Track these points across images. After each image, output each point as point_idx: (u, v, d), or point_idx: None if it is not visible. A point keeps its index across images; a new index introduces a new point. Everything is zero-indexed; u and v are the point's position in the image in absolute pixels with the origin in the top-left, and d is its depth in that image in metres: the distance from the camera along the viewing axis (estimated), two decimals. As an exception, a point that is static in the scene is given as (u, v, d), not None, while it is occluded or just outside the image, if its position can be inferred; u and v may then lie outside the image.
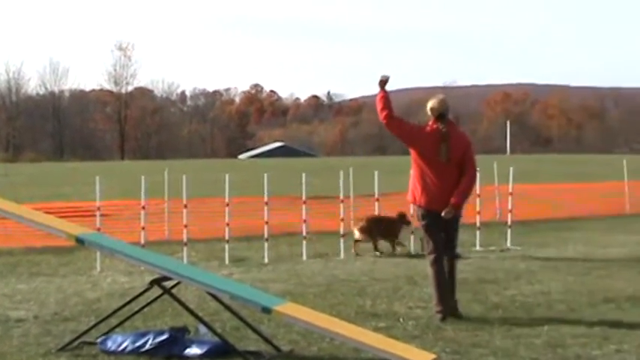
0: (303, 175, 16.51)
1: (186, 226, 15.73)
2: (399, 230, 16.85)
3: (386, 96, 10.64)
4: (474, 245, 17.12)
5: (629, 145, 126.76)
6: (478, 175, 17.53)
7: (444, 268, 10.49)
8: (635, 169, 31.73)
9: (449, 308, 10.28)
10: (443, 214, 10.38)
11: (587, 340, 8.96)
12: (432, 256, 10.52)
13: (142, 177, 15.92)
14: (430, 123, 10.57)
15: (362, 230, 16.61)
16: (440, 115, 10.53)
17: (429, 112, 10.62)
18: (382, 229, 16.71)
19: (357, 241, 16.68)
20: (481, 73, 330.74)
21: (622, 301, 11.16)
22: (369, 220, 16.75)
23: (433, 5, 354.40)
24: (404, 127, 10.73)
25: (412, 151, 10.62)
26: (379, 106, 10.67)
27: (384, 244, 16.69)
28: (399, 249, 16.73)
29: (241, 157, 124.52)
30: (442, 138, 10.42)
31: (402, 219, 16.82)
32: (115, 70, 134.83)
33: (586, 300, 11.33)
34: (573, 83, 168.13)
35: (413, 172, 10.69)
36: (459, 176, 10.48)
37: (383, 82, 10.73)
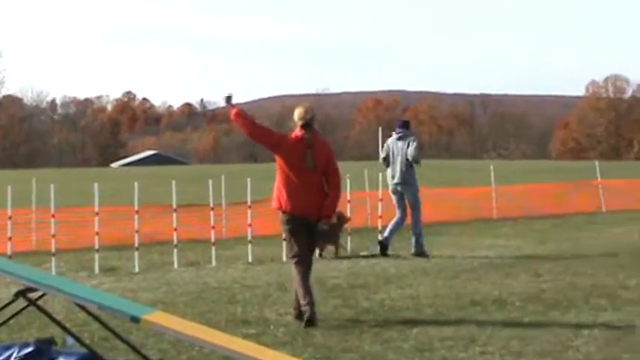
0: (174, 183, 16.40)
1: (54, 236, 15.45)
2: (339, 231, 17.23)
3: (239, 111, 10.77)
4: (346, 250, 17.27)
5: (497, 151, 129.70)
6: (348, 181, 17.86)
7: (308, 270, 10.63)
8: (502, 174, 32.52)
9: (310, 310, 10.37)
10: (319, 227, 10.60)
11: (453, 343, 9.12)
12: (295, 259, 10.64)
13: (9, 186, 15.59)
14: (296, 131, 10.68)
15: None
16: (306, 123, 10.67)
17: (296, 120, 10.75)
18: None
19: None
20: (353, 80, 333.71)
21: (488, 304, 11.39)
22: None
23: (306, 14, 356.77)
24: (268, 136, 10.87)
25: (278, 158, 10.76)
26: (238, 122, 10.87)
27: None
28: (341, 251, 17.16)
29: (113, 165, 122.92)
30: (308, 145, 10.56)
31: (341, 219, 17.12)
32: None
33: (454, 303, 11.54)
34: (443, 90, 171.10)
35: (278, 179, 10.79)
36: (324, 182, 10.65)
37: (229, 99, 10.93)
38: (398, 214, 17.35)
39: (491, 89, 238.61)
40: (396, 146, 17.34)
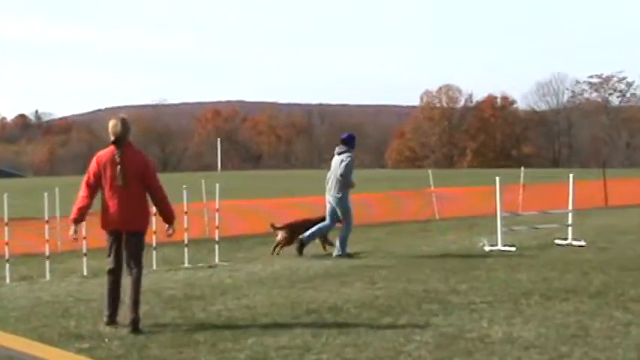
0: (6, 195, 16.01)
1: None
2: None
3: (73, 219, 10.98)
4: (183, 262, 17.17)
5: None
6: (185, 192, 17.75)
7: (118, 280, 10.88)
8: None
9: (114, 316, 10.78)
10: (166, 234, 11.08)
11: (289, 352, 9.16)
12: (108, 267, 10.92)
13: None
14: (110, 147, 10.80)
15: (285, 232, 18.57)
16: (116, 138, 10.76)
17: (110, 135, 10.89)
18: (305, 230, 18.46)
19: (279, 243, 18.51)
20: (191, 90, 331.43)
21: (324, 312, 11.50)
22: (290, 225, 18.74)
23: (139, 25, 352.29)
24: (90, 182, 10.88)
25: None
26: (81, 216, 11.08)
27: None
28: (327, 247, 18.69)
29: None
30: (117, 162, 10.67)
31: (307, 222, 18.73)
32: None
33: (289, 312, 11.60)
34: (281, 100, 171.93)
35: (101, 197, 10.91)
36: (141, 196, 10.83)
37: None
38: (327, 220, 18.53)
39: (329, 100, 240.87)
40: (334, 161, 18.60)
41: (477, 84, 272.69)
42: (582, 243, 19.12)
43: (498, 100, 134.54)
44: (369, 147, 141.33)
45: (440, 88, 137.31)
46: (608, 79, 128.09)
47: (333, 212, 18.36)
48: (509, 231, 18.99)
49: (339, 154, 18.52)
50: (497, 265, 16.13)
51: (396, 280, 14.44)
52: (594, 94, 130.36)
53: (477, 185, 34.57)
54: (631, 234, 21.78)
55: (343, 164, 18.22)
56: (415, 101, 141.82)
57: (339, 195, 18.24)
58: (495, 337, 9.69)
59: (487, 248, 18.50)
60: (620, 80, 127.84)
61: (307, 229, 18.45)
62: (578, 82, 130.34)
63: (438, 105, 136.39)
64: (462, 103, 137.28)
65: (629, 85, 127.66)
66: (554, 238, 19.67)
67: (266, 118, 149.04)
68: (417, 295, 12.68)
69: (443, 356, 8.87)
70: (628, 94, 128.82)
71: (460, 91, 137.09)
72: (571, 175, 20.19)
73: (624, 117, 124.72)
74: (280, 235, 18.59)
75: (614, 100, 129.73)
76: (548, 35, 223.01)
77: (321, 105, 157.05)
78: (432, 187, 30.15)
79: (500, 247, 18.55)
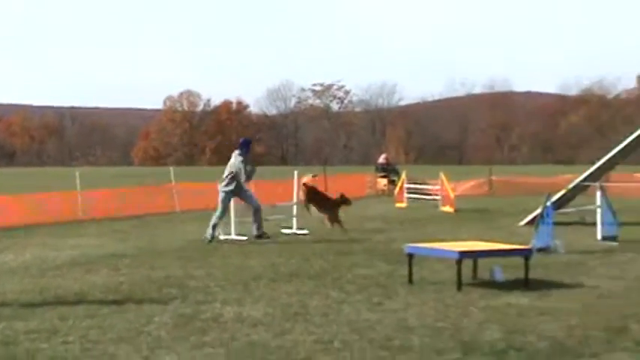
0: None
1: None
2: (333, 207, 19.75)
3: None
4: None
5: (86, 158, 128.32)
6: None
7: None
8: (90, 180, 32.11)
9: None
10: None
11: (37, 336, 8.85)
12: None
13: None
14: None
15: (303, 194, 19.71)
16: None
17: None
18: (318, 201, 19.73)
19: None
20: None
21: (70, 297, 11.20)
22: (308, 188, 19.86)
23: None
24: None
25: None
26: None
27: None
28: (334, 226, 19.49)
29: None
30: None
31: (341, 199, 19.98)
32: None
33: (39, 298, 11.23)
34: (35, 103, 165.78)
35: None
36: None
37: None
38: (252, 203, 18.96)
39: (81, 102, 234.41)
40: (230, 160, 18.97)
41: (214, 90, 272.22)
42: (305, 232, 19.54)
43: (234, 105, 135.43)
44: (118, 146, 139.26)
45: (181, 94, 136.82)
46: (329, 87, 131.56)
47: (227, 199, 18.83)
48: (242, 222, 19.13)
49: (236, 155, 18.91)
50: (231, 252, 16.27)
51: (139, 267, 14.29)
52: (317, 101, 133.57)
53: (214, 181, 34.64)
54: (346, 223, 22.44)
55: (239, 162, 18.69)
56: (159, 105, 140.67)
57: (225, 189, 18.66)
58: (227, 317, 9.74)
59: (222, 237, 18.58)
60: (339, 88, 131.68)
61: (318, 197, 19.95)
62: (303, 89, 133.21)
63: (179, 109, 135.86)
64: (201, 107, 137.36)
65: (347, 93, 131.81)
66: (282, 228, 20.01)
67: (20, 119, 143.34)
68: (158, 281, 12.58)
69: (180, 335, 8.83)
70: (346, 101, 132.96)
71: (200, 96, 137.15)
72: (296, 172, 20.59)
73: (342, 121, 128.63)
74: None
75: (334, 106, 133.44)
76: (277, 44, 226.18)
77: (73, 108, 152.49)
78: (174, 183, 30.00)
79: (233, 236, 18.70)
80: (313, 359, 7.69)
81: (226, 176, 18.74)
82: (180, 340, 8.55)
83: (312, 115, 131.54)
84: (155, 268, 14.04)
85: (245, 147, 19.07)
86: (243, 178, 18.67)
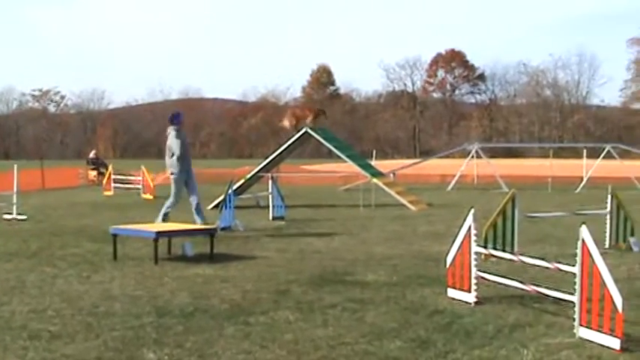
0: None
1: None
2: None
3: None
4: None
5: None
6: None
7: None
8: None
9: None
10: None
11: None
12: None
13: None
14: None
15: None
16: None
17: None
18: None
19: None
20: None
21: None
22: None
23: None
24: None
25: None
26: None
27: None
28: None
29: None
30: None
31: None
32: None
33: None
34: None
35: None
36: None
37: None
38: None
39: None
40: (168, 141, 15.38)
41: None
42: (24, 217, 18.64)
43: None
44: None
45: None
46: (47, 92, 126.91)
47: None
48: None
49: (168, 133, 15.32)
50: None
51: None
52: (37, 104, 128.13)
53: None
54: (61, 209, 21.70)
55: (168, 141, 15.28)
56: None
57: (173, 175, 15.52)
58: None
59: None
60: (56, 94, 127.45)
61: None
62: (23, 94, 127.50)
63: None
64: None
65: (63, 97, 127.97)
66: (3, 214, 18.95)
67: None
68: None
69: None
70: (62, 105, 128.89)
71: None
72: (15, 166, 19.54)
73: (58, 122, 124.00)
74: None
75: (52, 108, 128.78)
76: None
77: None
78: None
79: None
80: (28, 326, 7.37)
81: (167, 158, 15.48)
82: None
83: (31, 116, 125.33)
84: None
85: (176, 119, 15.32)
86: (177, 152, 15.16)
